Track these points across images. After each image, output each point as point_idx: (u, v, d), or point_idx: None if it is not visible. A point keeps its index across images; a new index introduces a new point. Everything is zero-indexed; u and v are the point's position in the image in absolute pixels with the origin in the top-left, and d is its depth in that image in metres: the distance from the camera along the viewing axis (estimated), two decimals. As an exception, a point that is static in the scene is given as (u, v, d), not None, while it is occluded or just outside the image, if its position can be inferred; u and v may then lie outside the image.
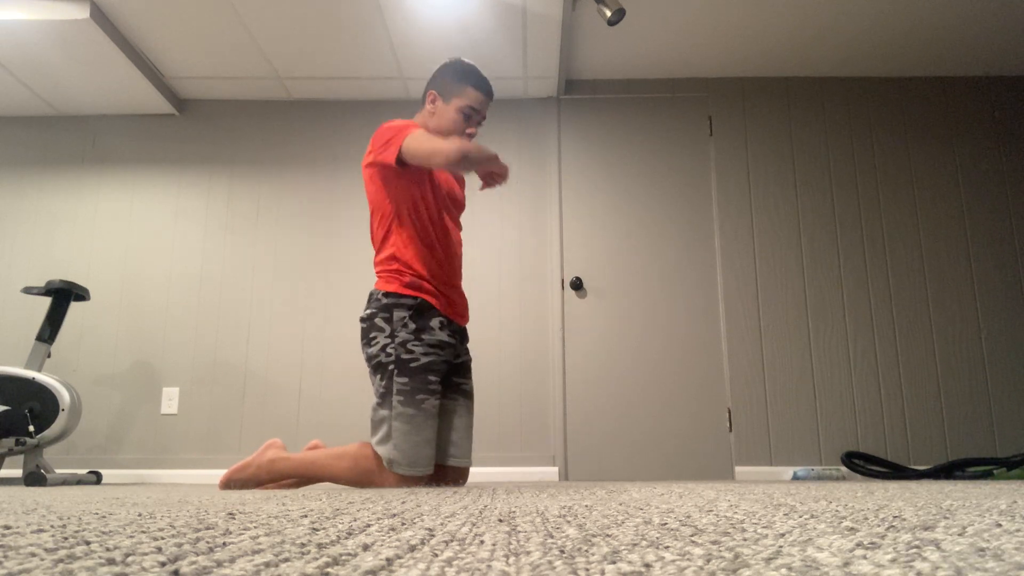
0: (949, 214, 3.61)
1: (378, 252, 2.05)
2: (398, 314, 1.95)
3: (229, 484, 1.95)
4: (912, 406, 3.38)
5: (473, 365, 3.46)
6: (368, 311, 1.99)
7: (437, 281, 2.03)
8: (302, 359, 3.48)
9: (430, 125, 2.09)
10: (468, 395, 2.11)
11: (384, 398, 1.92)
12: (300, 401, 3.43)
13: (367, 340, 1.98)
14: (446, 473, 2.02)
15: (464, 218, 3.64)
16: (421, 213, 2.03)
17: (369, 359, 1.97)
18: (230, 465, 3.35)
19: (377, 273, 2.04)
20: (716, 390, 3.42)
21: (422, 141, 1.89)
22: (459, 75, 2.06)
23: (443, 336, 2.00)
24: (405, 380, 1.91)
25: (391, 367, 1.92)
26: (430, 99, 2.09)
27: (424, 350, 1.94)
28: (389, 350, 1.93)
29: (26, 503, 1.01)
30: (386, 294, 1.98)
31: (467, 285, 3.55)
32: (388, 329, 1.95)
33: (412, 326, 1.95)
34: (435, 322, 1.99)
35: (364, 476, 1.89)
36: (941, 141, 3.70)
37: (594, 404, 3.40)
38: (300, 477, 1.96)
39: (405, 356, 1.93)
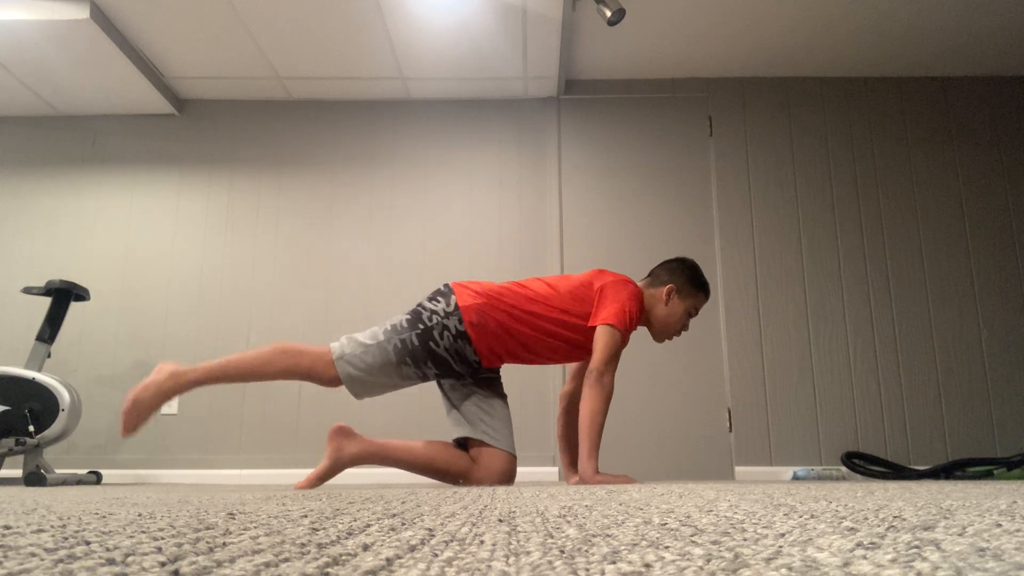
0: (949, 214, 3.60)
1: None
2: (458, 329, 2.04)
3: (136, 406, 1.96)
4: (912, 406, 3.38)
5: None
6: (442, 307, 2.06)
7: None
8: (302, 359, 3.47)
9: (658, 311, 2.22)
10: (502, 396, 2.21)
11: (392, 332, 2.02)
12: (300, 401, 3.43)
13: (426, 314, 2.07)
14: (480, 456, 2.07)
15: (464, 218, 3.64)
16: None
17: (416, 316, 2.05)
18: (230, 465, 3.36)
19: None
20: (716, 390, 3.41)
21: (612, 352, 2.04)
22: (698, 283, 2.24)
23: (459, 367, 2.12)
24: (417, 346, 2.01)
25: (420, 327, 2.02)
26: (667, 290, 2.21)
27: (444, 356, 2.05)
28: (435, 319, 2.03)
29: (26, 503, 1.01)
30: (471, 323, 2.04)
31: (467, 285, 3.55)
32: (442, 325, 2.04)
33: (458, 343, 2.05)
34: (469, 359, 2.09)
35: (294, 362, 1.98)
36: (941, 141, 3.70)
37: (594, 404, 3.40)
38: (215, 380, 1.99)
39: (432, 342, 2.03)
